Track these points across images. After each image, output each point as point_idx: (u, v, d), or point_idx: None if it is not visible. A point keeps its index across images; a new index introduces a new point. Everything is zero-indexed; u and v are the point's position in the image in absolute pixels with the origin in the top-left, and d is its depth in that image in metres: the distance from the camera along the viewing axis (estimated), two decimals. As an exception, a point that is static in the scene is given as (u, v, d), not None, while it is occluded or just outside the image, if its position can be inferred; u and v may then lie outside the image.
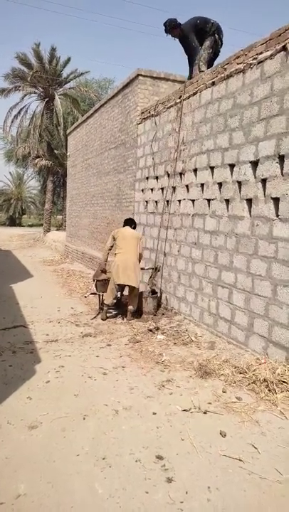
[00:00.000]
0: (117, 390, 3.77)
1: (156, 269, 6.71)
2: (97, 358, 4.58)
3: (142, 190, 7.73)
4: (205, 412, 3.37)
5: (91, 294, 6.34)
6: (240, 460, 2.75)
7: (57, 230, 22.64)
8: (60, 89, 21.28)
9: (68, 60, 20.57)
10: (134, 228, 6.51)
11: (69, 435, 2.99)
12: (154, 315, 6.34)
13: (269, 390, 3.72)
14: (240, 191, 4.82)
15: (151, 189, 7.32)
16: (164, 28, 6.65)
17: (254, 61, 4.59)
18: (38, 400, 3.53)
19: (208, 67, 6.19)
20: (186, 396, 3.67)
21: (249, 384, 3.86)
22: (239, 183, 4.82)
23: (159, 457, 2.75)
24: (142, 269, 6.53)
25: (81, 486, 2.44)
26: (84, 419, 3.23)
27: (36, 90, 20.85)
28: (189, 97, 6.03)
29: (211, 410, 3.41)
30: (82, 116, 13.49)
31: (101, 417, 3.25)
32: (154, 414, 3.33)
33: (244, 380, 3.95)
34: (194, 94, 5.87)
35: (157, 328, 5.60)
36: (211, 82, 5.46)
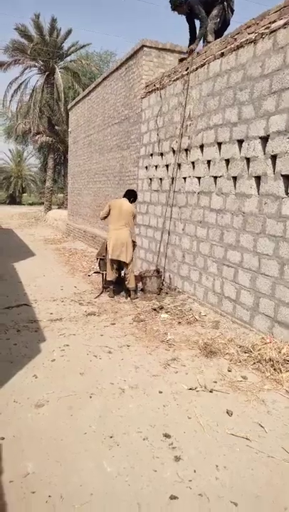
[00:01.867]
0: (122, 368, 3.76)
1: (158, 272, 6.56)
2: (102, 337, 4.57)
3: (146, 168, 7.57)
4: (211, 391, 3.36)
5: (94, 272, 6.30)
6: (247, 439, 2.75)
7: (58, 208, 22.46)
8: (61, 63, 20.68)
9: (69, 31, 19.93)
10: (134, 201, 6.42)
11: (76, 413, 2.99)
12: (158, 294, 6.31)
13: (274, 370, 3.70)
14: (248, 168, 4.69)
15: (156, 166, 7.16)
16: (169, 5, 6.35)
17: (266, 31, 4.37)
18: (44, 379, 3.52)
19: (216, 38, 5.93)
20: (192, 375, 3.66)
21: (254, 363, 3.85)
22: (248, 160, 4.68)
23: (167, 435, 2.74)
24: (134, 243, 6.44)
25: (89, 464, 2.44)
26: (90, 397, 3.22)
27: (36, 64, 20.26)
28: (197, 68, 5.80)
29: (216, 389, 3.40)
30: (84, 90, 13.13)
31: (107, 396, 3.25)
32: (160, 392, 3.32)
33: (249, 359, 3.93)
34: (202, 65, 5.65)
35: (161, 307, 5.57)
36: (220, 53, 5.23)
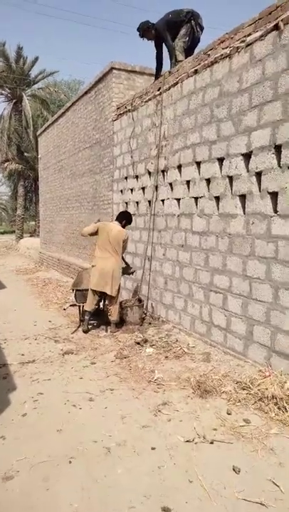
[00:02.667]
0: (106, 420, 3.24)
1: (139, 301, 6.08)
2: (81, 381, 4.04)
3: (121, 191, 7.23)
4: (211, 442, 2.89)
5: (70, 305, 5.79)
6: (262, 504, 2.29)
7: (30, 236, 21.79)
8: (29, 90, 20.52)
9: (36, 59, 19.88)
10: (127, 224, 5.83)
11: (53, 486, 2.45)
12: (141, 325, 5.84)
13: (279, 408, 3.29)
14: (231, 187, 4.40)
15: (131, 189, 6.84)
16: (138, 32, 6.24)
17: (242, 44, 4.19)
18: (13, 440, 2.96)
19: (187, 57, 5.77)
20: (187, 422, 3.19)
21: (255, 402, 3.42)
22: (230, 178, 4.40)
23: (166, 509, 2.25)
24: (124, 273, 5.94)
25: None
26: (70, 462, 2.69)
27: (3, 91, 20.02)
28: (170, 88, 5.59)
29: (217, 439, 2.94)
30: (50, 119, 12.85)
31: (90, 459, 2.72)
32: (153, 449, 2.83)
33: (249, 397, 3.50)
34: (175, 84, 5.44)
35: (145, 341, 5.10)
36: (193, 70, 5.03)
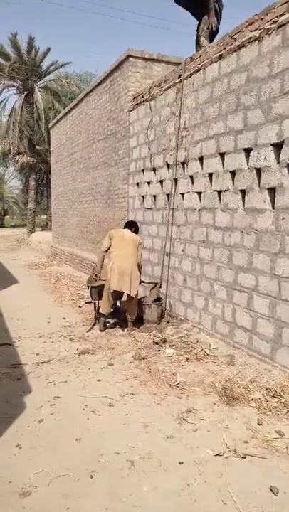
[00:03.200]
0: (128, 428, 3.03)
1: (155, 285, 5.92)
2: (99, 383, 3.84)
3: (137, 184, 6.98)
4: (244, 457, 2.67)
5: (86, 302, 5.59)
6: (306, 532, 2.06)
7: (42, 230, 21.69)
8: (40, 82, 20.29)
9: (48, 50, 19.61)
10: (136, 232, 5.74)
11: (74, 505, 2.25)
12: (158, 323, 5.62)
13: (313, 419, 3.05)
14: (259, 180, 4.12)
15: (148, 182, 6.58)
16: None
17: (273, 25, 3.88)
18: (29, 450, 2.77)
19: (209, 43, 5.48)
20: (215, 433, 2.96)
21: (288, 411, 3.18)
22: (258, 170, 4.13)
23: (200, 536, 2.03)
24: (142, 282, 5.75)
25: None
26: (91, 477, 2.48)
27: (15, 83, 19.81)
28: (191, 75, 5.30)
29: (250, 453, 2.71)
30: (63, 111, 12.60)
31: (113, 473, 2.52)
32: (181, 463, 2.61)
33: (280, 406, 3.26)
34: (197, 71, 5.15)
35: (164, 341, 4.88)
36: (217, 55, 4.74)
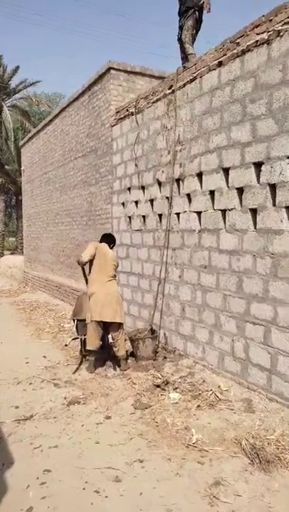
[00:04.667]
0: (147, 516, 2.34)
1: (152, 332, 5.19)
2: (98, 447, 3.12)
3: (123, 204, 6.41)
4: None
5: (73, 339, 4.86)
6: None
7: (11, 253, 20.58)
8: (9, 101, 19.60)
9: (17, 68, 19.04)
10: (113, 246, 5.11)
11: None
12: (154, 359, 4.96)
13: None
14: (274, 197, 3.65)
15: (136, 202, 6.02)
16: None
17: (285, 26, 3.49)
18: None
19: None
20: (258, 515, 2.32)
21: None
22: (272, 187, 3.65)
23: None
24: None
25: None
26: None
27: (-18, 102, 19.02)
28: (185, 85, 4.86)
29: None
30: (35, 129, 11.96)
31: None
32: None
33: None
34: (192, 80, 4.71)
35: (166, 382, 4.22)
36: (216, 62, 4.32)
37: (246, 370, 3.99)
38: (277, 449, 2.90)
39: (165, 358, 5.05)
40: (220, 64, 4.27)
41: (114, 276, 4.82)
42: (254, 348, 3.89)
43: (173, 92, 5.06)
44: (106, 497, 2.51)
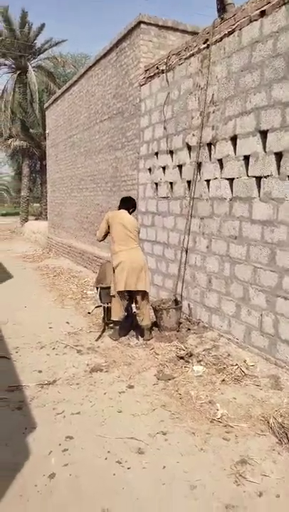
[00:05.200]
0: (170, 491, 2.29)
1: (176, 303, 5.08)
2: (121, 416, 3.08)
3: (150, 170, 6.15)
4: None
5: (96, 307, 4.80)
6: None
7: (36, 219, 20.69)
8: (34, 61, 19.07)
9: (42, 26, 18.36)
10: (134, 211, 4.88)
11: None
12: (177, 331, 4.87)
13: None
14: (317, 163, 3.34)
15: (163, 167, 5.76)
16: None
17: None
18: (40, 532, 2.01)
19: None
20: (285, 498, 2.22)
21: None
22: (316, 152, 3.34)
23: None
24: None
25: None
26: None
27: (6, 61, 18.59)
28: (222, 38, 4.45)
29: None
30: (60, 90, 11.55)
31: None
32: None
33: None
34: (230, 33, 4.30)
35: (190, 355, 4.12)
36: (258, 12, 3.89)
37: (274, 346, 3.83)
38: (307, 429, 2.77)
39: (189, 329, 4.94)
40: (262, 14, 3.85)
41: (137, 242, 4.62)
42: (284, 323, 3.71)
43: (208, 46, 4.66)
44: (128, 468, 2.47)
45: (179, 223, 5.44)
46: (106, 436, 2.79)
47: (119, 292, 4.55)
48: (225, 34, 4.39)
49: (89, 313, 5.26)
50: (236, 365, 3.86)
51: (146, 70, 6.17)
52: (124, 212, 4.72)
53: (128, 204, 4.82)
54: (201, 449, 2.66)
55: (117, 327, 4.68)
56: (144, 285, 4.56)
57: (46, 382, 3.64)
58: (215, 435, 2.81)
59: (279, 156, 3.71)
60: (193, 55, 4.99)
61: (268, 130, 3.81)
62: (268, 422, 2.89)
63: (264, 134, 3.88)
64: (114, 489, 2.29)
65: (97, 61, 7.98)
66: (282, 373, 3.66)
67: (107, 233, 4.68)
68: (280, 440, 2.71)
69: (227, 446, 2.69)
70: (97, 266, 7.88)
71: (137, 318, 4.74)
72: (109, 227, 4.61)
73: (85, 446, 2.69)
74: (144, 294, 4.61)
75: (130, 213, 4.77)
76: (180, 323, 5.01)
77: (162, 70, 5.67)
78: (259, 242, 3.99)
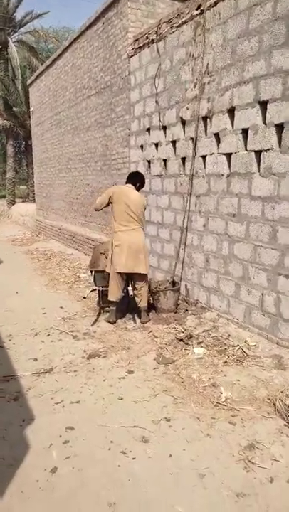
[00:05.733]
0: (178, 481, 2.20)
1: (173, 284, 4.97)
2: (122, 404, 2.97)
3: (141, 147, 5.91)
4: None
5: (91, 290, 4.65)
6: None
7: (23, 201, 20.21)
8: (15, 35, 18.21)
9: (22, -4, 17.42)
10: (140, 188, 4.58)
11: None
12: (175, 312, 4.76)
13: None
14: None
15: (156, 144, 5.52)
16: None
17: None
18: (45, 531, 1.91)
19: None
20: (298, 483, 2.15)
21: None
22: None
23: None
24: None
25: None
26: None
27: (-15, 36, 17.69)
28: (216, 3, 4.17)
29: None
30: (44, 64, 11.03)
31: None
32: None
33: None
34: (226, -4, 4.03)
35: (190, 336, 4.02)
36: (256, -29, 3.63)
37: (276, 325, 3.74)
38: (314, 410, 2.70)
39: (187, 310, 4.84)
40: (261, -27, 3.59)
41: (139, 222, 4.37)
42: (286, 302, 3.61)
43: (202, 12, 4.38)
44: (133, 459, 2.37)
45: (173, 202, 5.26)
46: (108, 426, 2.68)
47: (117, 273, 4.39)
48: (220, -2, 4.12)
49: (84, 298, 5.11)
50: (237, 345, 3.77)
51: (135, 41, 5.85)
52: (130, 188, 4.45)
53: (136, 179, 4.54)
54: (207, 435, 2.57)
55: (114, 308, 4.53)
56: (144, 268, 4.41)
57: (42, 370, 3.51)
58: (220, 419, 2.73)
59: (280, 127, 3.53)
60: (185, 22, 4.70)
61: (268, 101, 3.61)
62: (274, 405, 2.81)
63: (264, 105, 3.68)
64: (119, 481, 2.19)
65: (83, 32, 7.58)
66: (285, 353, 3.58)
67: (106, 206, 4.46)
68: (287, 423, 2.64)
69: (233, 430, 2.61)
70: (89, 248, 7.70)
71: (136, 299, 4.60)
72: (111, 203, 4.40)
73: (86, 436, 2.59)
74: (144, 277, 4.47)
75: (138, 190, 4.53)
76: (178, 304, 4.90)
77: (152, 40, 5.37)
78: (259, 220, 3.84)
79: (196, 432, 2.61)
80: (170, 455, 2.39)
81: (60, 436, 2.60)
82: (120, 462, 2.34)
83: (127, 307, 4.83)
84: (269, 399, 2.91)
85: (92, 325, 4.58)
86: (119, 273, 4.38)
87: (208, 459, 2.35)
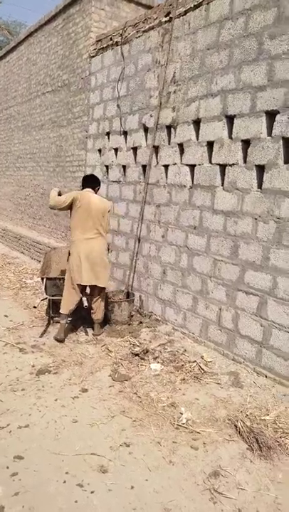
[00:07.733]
0: (142, 517, 2.01)
1: (128, 295, 4.81)
2: (77, 427, 2.72)
3: (100, 151, 5.70)
4: None
5: (42, 299, 4.31)
6: None
7: None
8: None
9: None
10: (98, 189, 4.35)
11: None
12: (129, 324, 4.59)
13: None
14: (287, 153, 3.21)
15: (115, 149, 5.35)
16: None
17: None
18: None
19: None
20: (265, 512, 2.07)
21: None
22: (287, 141, 3.20)
23: None
24: None
25: None
26: None
27: None
28: (186, 12, 4.13)
29: None
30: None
31: None
32: None
33: None
34: (197, 7, 3.99)
35: (146, 351, 3.87)
36: (229, -14, 3.63)
37: (233, 342, 3.71)
38: (276, 432, 2.66)
39: (141, 322, 4.68)
40: (234, -12, 3.60)
41: (102, 229, 4.10)
42: (245, 318, 3.59)
43: (170, 20, 4.32)
44: (92, 492, 2.14)
45: (131, 210, 5.10)
46: (62, 454, 2.43)
47: (73, 284, 4.10)
48: (190, 8, 4.08)
49: (35, 307, 4.75)
50: (194, 361, 3.69)
51: (98, 41, 5.66)
52: (91, 193, 4.15)
53: (94, 182, 4.26)
54: (170, 462, 2.42)
55: (64, 322, 4.21)
56: (104, 281, 4.17)
57: (-15, 388, 3.15)
58: (182, 444, 2.58)
59: (246, 143, 3.53)
60: (153, 28, 4.61)
61: (235, 115, 3.61)
62: (236, 426, 2.73)
63: (231, 120, 3.67)
64: (77, 521, 1.96)
65: (41, 27, 7.24)
66: (241, 369, 3.55)
67: (64, 209, 4.10)
68: (250, 446, 2.56)
69: (196, 456, 2.48)
70: (36, 252, 7.30)
71: (91, 311, 4.33)
72: (70, 209, 4.10)
73: (38, 467, 2.31)
74: (102, 289, 4.24)
75: (96, 192, 4.28)
76: (131, 316, 4.73)
77: (117, 42, 5.21)
78: (221, 234, 3.81)
79: (157, 459, 2.45)
80: (132, 487, 2.20)
81: (8, 467, 2.30)
82: (77, 497, 2.10)
83: (79, 318, 4.56)
84: (229, 419, 2.82)
85: (40, 336, 4.25)
86: (76, 285, 4.09)
87: (173, 490, 2.19)
